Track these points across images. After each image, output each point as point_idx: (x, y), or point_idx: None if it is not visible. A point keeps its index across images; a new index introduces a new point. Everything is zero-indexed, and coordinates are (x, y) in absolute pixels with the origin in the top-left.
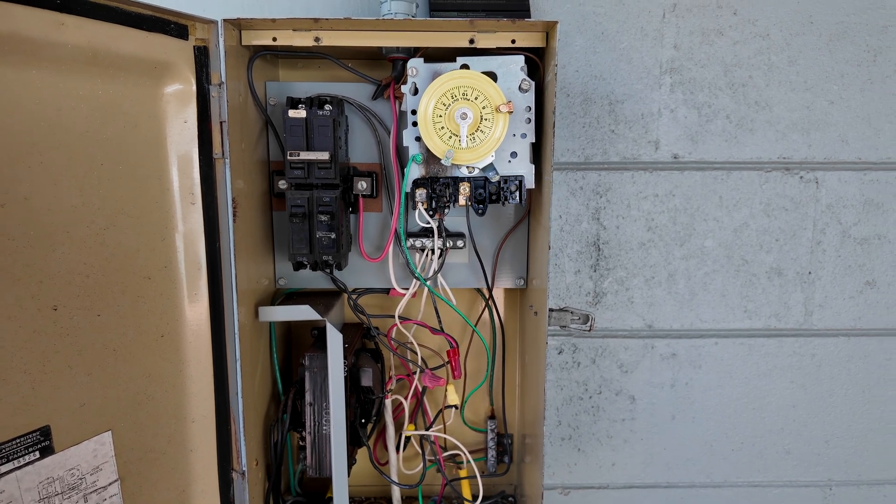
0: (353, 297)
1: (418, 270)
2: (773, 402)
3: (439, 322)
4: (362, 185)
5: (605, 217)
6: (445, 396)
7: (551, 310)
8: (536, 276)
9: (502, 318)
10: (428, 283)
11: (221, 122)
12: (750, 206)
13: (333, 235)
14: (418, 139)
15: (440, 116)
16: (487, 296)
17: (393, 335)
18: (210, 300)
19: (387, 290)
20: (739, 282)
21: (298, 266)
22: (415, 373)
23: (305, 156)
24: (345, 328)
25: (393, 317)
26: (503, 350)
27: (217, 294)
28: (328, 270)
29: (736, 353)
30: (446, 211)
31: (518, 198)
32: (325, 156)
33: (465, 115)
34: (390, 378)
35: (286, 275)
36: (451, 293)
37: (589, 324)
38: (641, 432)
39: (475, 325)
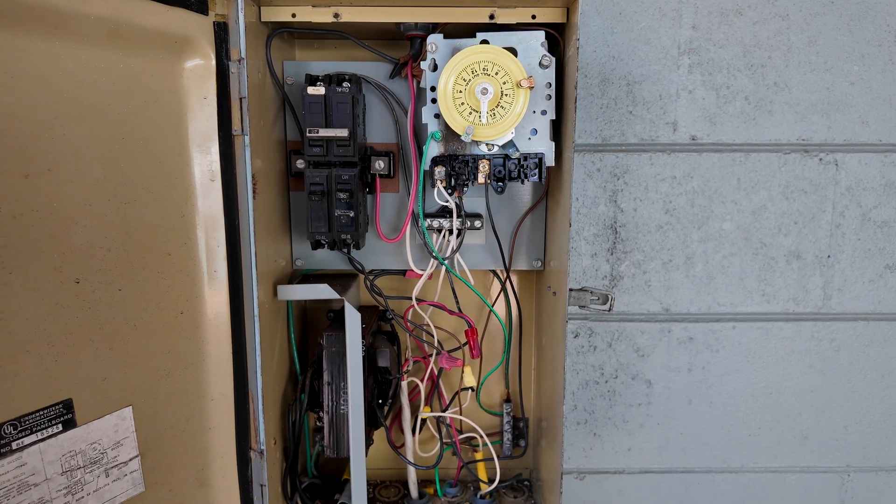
0: (370, 278)
1: (436, 250)
2: (790, 387)
3: (457, 303)
4: (379, 164)
5: (622, 199)
6: (462, 378)
7: (571, 290)
8: (554, 256)
9: (519, 300)
10: (446, 262)
11: (241, 99)
12: (768, 188)
13: (352, 214)
14: (437, 116)
15: (460, 92)
16: (504, 277)
17: (409, 317)
18: (229, 278)
19: (403, 272)
20: (758, 265)
21: (317, 245)
22: (431, 355)
23: (324, 133)
24: (361, 310)
25: (410, 298)
26: (520, 332)
27: (236, 272)
28: (346, 250)
29: (754, 337)
30: (465, 189)
31: (538, 175)
32: (343, 133)
33: (485, 91)
34: (407, 360)
35: (303, 256)
36: (469, 272)
37: (609, 304)
38: (658, 417)
39: (492, 306)
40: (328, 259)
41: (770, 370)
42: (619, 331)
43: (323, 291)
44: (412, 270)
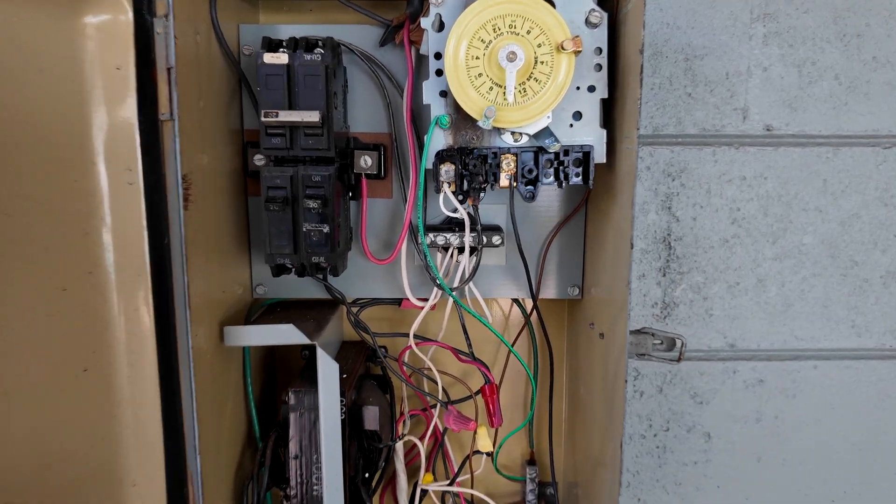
0: (355, 309)
1: (441, 275)
2: (887, 442)
3: (469, 345)
4: (366, 161)
5: (678, 206)
6: (474, 441)
7: (631, 332)
8: (598, 282)
9: (549, 339)
10: (455, 293)
11: (168, 70)
12: (862, 192)
13: (326, 229)
14: (444, 94)
15: (476, 59)
16: (530, 309)
17: (406, 359)
18: (156, 319)
19: (398, 301)
20: (847, 289)
21: (279, 270)
22: (433, 406)
23: (287, 116)
24: (344, 349)
25: (406, 336)
26: (550, 379)
27: (166, 309)
28: (320, 276)
29: (840, 379)
30: (482, 195)
31: (582, 176)
32: (314, 116)
33: (513, 56)
34: (402, 415)
35: (267, 280)
36: (485, 305)
37: (679, 351)
38: (718, 478)
39: (512, 346)
40: (300, 283)
41: (861, 420)
42: (671, 372)
43: (286, 334)
44: (409, 300)
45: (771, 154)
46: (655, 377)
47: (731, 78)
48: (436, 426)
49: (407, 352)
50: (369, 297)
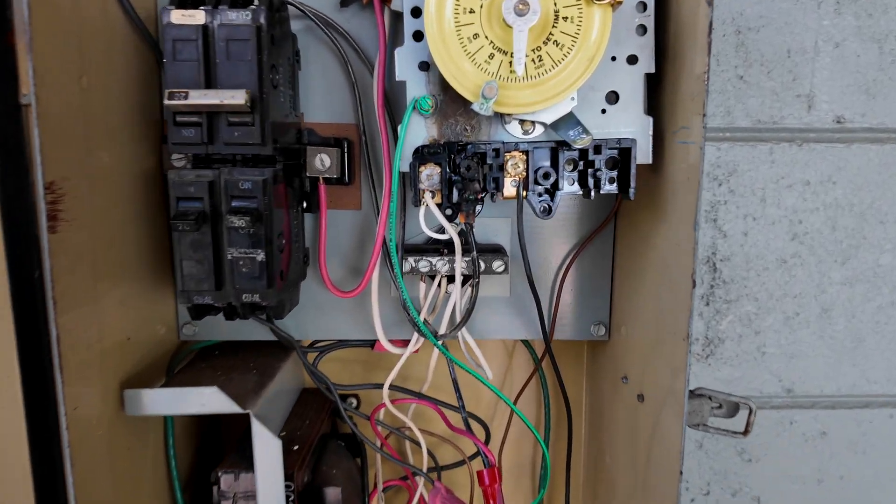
0: (312, 355)
1: (425, 314)
2: None
3: (461, 407)
4: (323, 161)
5: (725, 217)
6: None
7: (691, 392)
8: (633, 321)
9: (566, 393)
10: (442, 342)
11: (27, 31)
12: None
13: (260, 256)
14: (425, 66)
15: (471, 13)
16: (541, 353)
17: (381, 416)
18: (25, 378)
19: (370, 343)
20: None
21: (200, 312)
22: (416, 474)
23: (199, 98)
24: (304, 401)
25: (380, 387)
26: (568, 443)
27: (40, 366)
28: (263, 317)
29: None
30: (478, 209)
31: (618, 182)
32: (238, 98)
33: (524, 7)
34: (375, 489)
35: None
36: (483, 357)
37: (747, 422)
38: None
39: (516, 402)
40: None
41: None
42: None
43: (209, 401)
44: (382, 344)
45: (842, 152)
46: None
47: (793, 56)
48: (420, 498)
49: (382, 409)
50: (331, 340)
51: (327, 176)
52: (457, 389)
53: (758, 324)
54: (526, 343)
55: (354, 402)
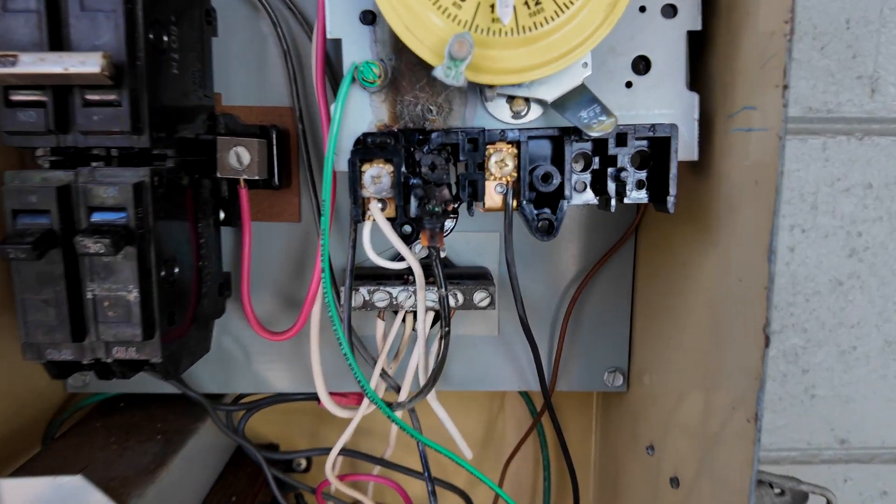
0: (239, 413)
1: (383, 359)
2: None
3: (427, 475)
4: (239, 157)
5: None
6: None
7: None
8: (655, 368)
9: (572, 463)
10: (399, 412)
11: None
12: None
13: (133, 294)
14: (370, 17)
15: None
16: (540, 407)
17: (331, 490)
18: None
19: (312, 397)
20: None
21: (63, 370)
22: None
23: (32, 66)
24: (237, 465)
25: (326, 452)
26: None
27: None
28: (165, 376)
29: None
30: (449, 224)
31: (649, 187)
32: (90, 65)
33: None
34: None
35: None
36: (457, 433)
37: None
38: None
39: (501, 490)
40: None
41: None
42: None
43: (67, 496)
44: (330, 395)
45: None
46: None
47: (853, 28)
48: None
49: (328, 485)
50: (261, 394)
51: (248, 177)
52: (426, 469)
53: (806, 360)
54: (525, 396)
55: (304, 463)
